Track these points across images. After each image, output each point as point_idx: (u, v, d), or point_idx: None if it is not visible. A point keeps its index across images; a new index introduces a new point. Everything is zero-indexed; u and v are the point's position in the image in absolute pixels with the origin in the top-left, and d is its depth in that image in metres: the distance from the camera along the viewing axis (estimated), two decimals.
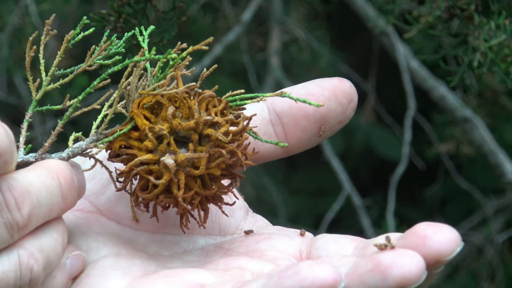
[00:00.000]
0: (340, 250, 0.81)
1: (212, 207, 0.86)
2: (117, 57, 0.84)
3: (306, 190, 3.07)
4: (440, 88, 2.09)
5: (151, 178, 0.81)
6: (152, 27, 0.86)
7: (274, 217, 2.46)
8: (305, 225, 2.75)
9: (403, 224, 2.33)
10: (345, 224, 2.73)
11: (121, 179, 0.85)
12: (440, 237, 0.70)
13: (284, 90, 0.89)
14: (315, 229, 2.50)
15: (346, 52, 2.88)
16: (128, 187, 0.84)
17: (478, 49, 1.29)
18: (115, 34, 0.83)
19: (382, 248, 0.72)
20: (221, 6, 2.70)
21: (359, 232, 2.46)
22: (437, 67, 1.93)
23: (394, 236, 0.75)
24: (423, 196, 2.86)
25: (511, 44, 1.29)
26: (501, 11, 1.30)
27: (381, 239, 0.75)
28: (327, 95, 0.89)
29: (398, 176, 2.29)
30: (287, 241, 0.85)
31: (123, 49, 0.84)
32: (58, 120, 0.82)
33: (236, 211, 0.90)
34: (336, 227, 2.62)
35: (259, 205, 2.61)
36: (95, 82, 0.81)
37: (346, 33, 2.98)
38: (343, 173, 2.41)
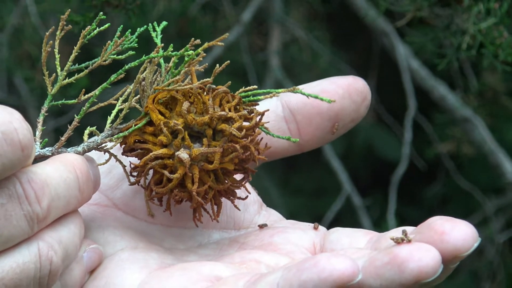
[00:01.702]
0: (353, 244, 0.81)
1: (226, 201, 0.87)
2: (130, 52, 0.84)
3: (305, 190, 3.07)
4: (440, 88, 2.09)
5: (166, 172, 0.81)
6: (164, 22, 0.86)
7: None
8: None
9: (404, 224, 2.33)
10: (345, 224, 2.72)
11: (135, 174, 0.85)
12: (458, 233, 0.70)
13: (298, 87, 0.89)
14: None
15: (347, 52, 2.88)
16: (142, 182, 0.85)
17: (467, 32, 1.29)
18: (129, 30, 0.83)
19: (398, 241, 0.72)
20: (221, 6, 2.70)
21: None
22: (437, 67, 1.93)
23: (409, 229, 0.75)
24: (423, 196, 2.86)
25: (500, 27, 1.29)
26: None
27: (397, 232, 0.75)
28: (341, 93, 0.90)
29: (399, 176, 2.29)
30: (301, 234, 0.86)
31: (136, 44, 0.84)
32: (75, 115, 0.82)
33: (250, 205, 0.91)
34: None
35: None
36: (111, 78, 0.81)
37: (346, 33, 2.98)
38: (343, 173, 2.40)
